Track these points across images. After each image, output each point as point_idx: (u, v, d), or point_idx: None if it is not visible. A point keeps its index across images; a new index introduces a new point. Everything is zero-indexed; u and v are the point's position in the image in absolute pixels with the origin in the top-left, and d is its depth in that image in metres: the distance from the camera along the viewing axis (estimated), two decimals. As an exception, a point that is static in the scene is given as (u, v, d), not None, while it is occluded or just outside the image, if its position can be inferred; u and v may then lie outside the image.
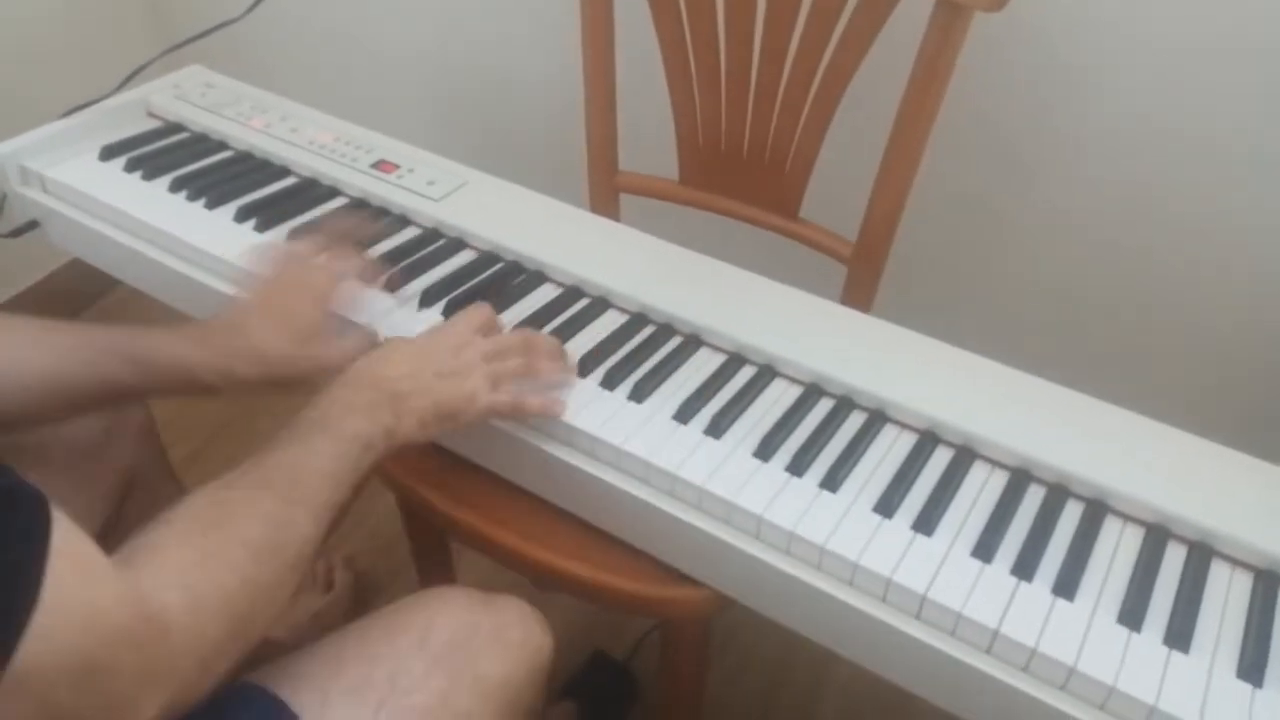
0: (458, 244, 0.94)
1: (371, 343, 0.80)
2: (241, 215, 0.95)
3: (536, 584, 0.84)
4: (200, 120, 1.08)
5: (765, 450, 0.73)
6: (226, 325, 0.75)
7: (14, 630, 0.43)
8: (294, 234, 0.93)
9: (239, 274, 0.88)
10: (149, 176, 1.00)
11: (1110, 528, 0.70)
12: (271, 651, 0.97)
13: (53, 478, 0.83)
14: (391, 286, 0.87)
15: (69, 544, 0.46)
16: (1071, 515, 0.71)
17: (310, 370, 0.76)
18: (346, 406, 0.68)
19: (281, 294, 0.78)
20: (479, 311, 0.79)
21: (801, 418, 0.77)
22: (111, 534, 0.90)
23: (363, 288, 0.85)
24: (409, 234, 0.96)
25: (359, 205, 0.99)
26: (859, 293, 1.11)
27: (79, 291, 1.84)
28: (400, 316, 0.85)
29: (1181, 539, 0.70)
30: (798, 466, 0.72)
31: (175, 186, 0.99)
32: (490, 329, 0.79)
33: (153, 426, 0.99)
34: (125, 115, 1.09)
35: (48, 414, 0.74)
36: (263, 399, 1.66)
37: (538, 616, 0.75)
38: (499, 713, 0.69)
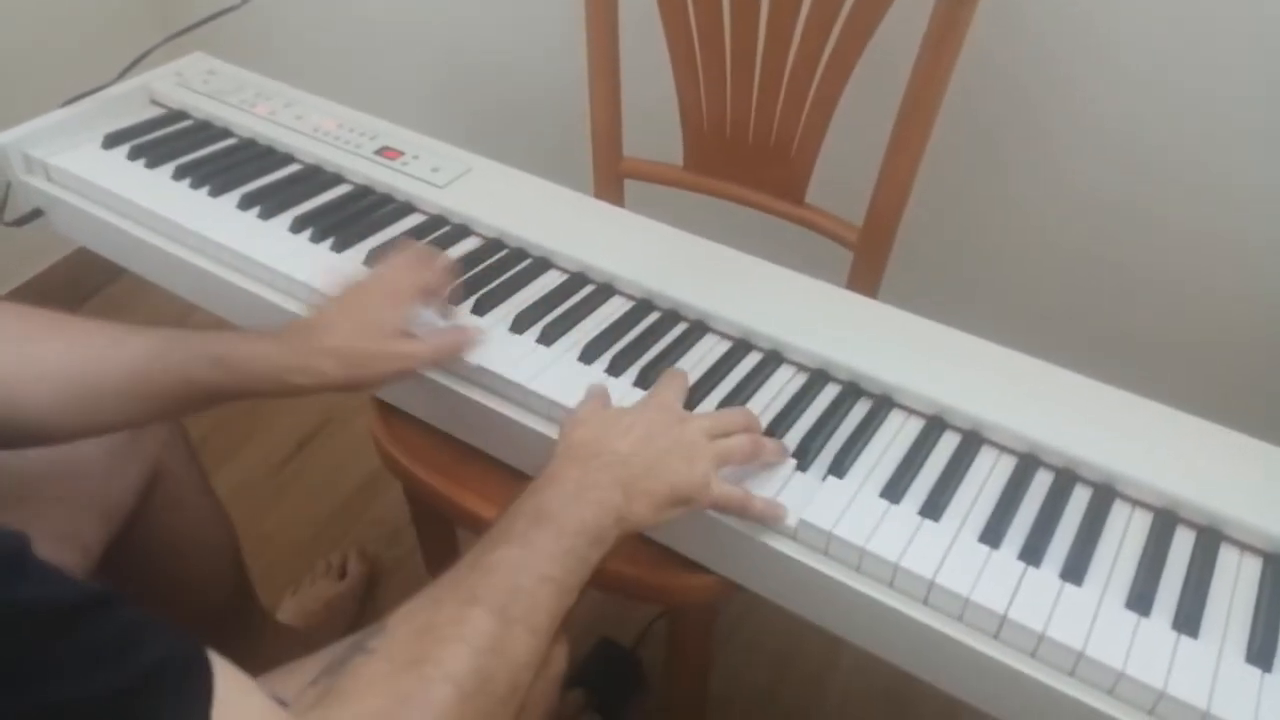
0: (462, 230, 0.94)
1: (465, 340, 0.78)
2: (245, 203, 0.95)
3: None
4: (203, 107, 1.08)
5: (772, 437, 0.73)
6: (307, 326, 0.73)
7: None
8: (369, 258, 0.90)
9: (309, 293, 0.86)
10: (152, 164, 1.00)
11: (1119, 512, 0.70)
12: (284, 640, 0.97)
13: (81, 471, 0.83)
14: (455, 299, 0.84)
15: (233, 711, 0.43)
16: (1079, 500, 0.70)
17: (395, 368, 0.74)
18: (572, 491, 0.62)
19: (360, 296, 0.75)
20: (681, 377, 0.74)
21: (808, 404, 0.77)
22: (137, 525, 0.91)
23: (439, 293, 0.82)
24: (413, 221, 0.95)
25: (364, 192, 0.99)
26: (865, 278, 1.11)
27: (85, 280, 1.85)
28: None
29: (1190, 523, 0.69)
30: (804, 453, 0.72)
31: (179, 174, 0.99)
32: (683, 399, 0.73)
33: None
34: (128, 103, 1.09)
35: (134, 419, 0.72)
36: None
37: None
38: None
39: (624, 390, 0.77)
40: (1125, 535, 0.68)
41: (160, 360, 0.69)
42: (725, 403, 0.76)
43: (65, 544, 0.81)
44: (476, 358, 0.78)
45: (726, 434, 0.69)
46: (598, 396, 0.73)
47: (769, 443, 0.71)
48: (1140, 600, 0.63)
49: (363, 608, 1.35)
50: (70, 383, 0.68)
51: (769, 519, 0.68)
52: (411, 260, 0.80)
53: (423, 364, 0.75)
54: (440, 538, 1.09)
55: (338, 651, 0.56)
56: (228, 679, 0.44)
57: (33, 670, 0.39)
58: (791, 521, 0.68)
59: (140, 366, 0.69)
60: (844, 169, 1.08)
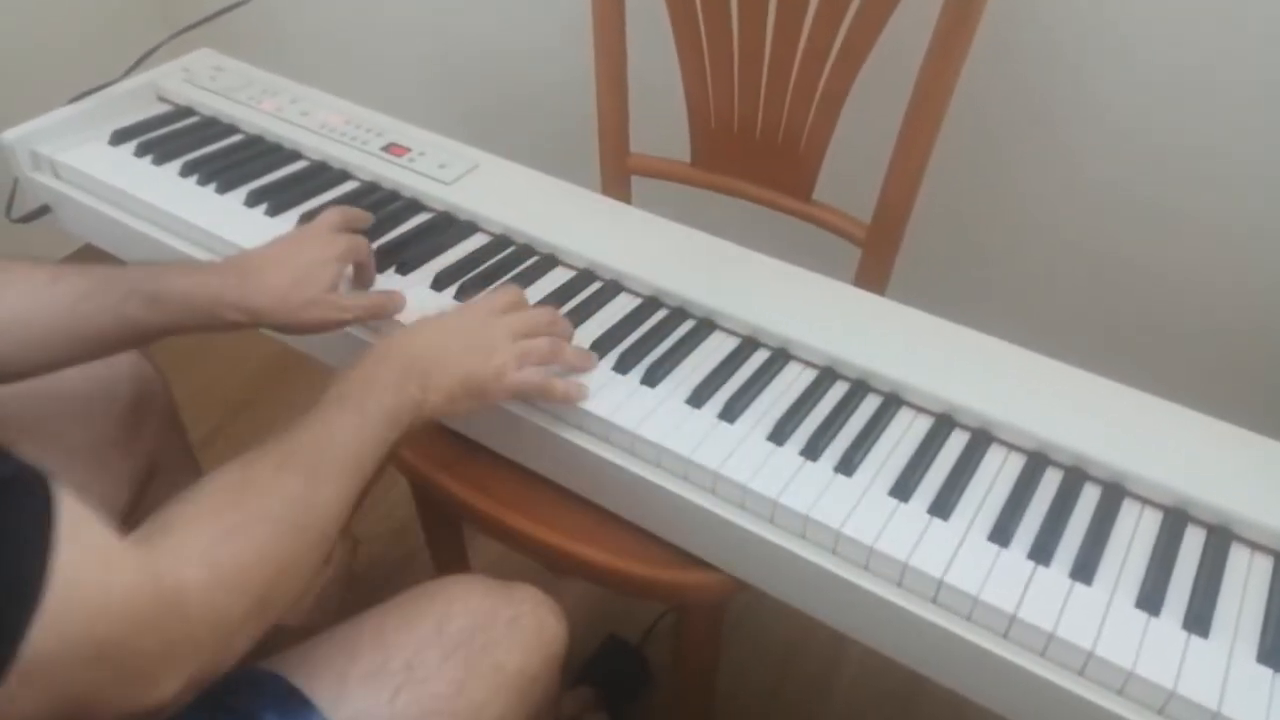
0: (470, 227, 0.94)
1: (394, 304, 0.81)
2: (252, 199, 0.95)
3: (550, 568, 0.84)
4: (210, 104, 1.08)
5: (780, 434, 0.73)
6: (244, 265, 0.76)
7: (20, 624, 0.42)
8: (305, 216, 0.93)
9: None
10: (160, 161, 1.00)
11: (1128, 511, 0.70)
12: (279, 637, 0.97)
13: (75, 464, 0.84)
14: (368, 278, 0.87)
15: (77, 528, 0.46)
16: (1089, 499, 0.70)
17: (331, 317, 0.77)
18: (371, 382, 0.67)
19: (299, 247, 0.78)
20: (507, 293, 0.78)
21: (816, 401, 0.76)
22: (132, 520, 0.91)
23: (353, 274, 0.86)
24: (421, 218, 0.95)
25: (371, 189, 0.99)
26: (873, 275, 1.11)
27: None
28: (412, 299, 0.84)
29: (1200, 522, 0.69)
30: (813, 450, 0.72)
31: (186, 171, 0.99)
32: (519, 309, 0.78)
33: (175, 413, 0.99)
34: (135, 99, 1.09)
35: (73, 358, 0.74)
36: (279, 380, 1.67)
37: (551, 604, 0.75)
38: (514, 702, 0.69)
39: (632, 389, 0.77)
40: (1135, 534, 0.68)
41: (94, 299, 0.71)
42: (734, 399, 0.75)
43: None
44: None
45: (532, 334, 0.75)
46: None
47: (571, 348, 0.77)
48: (1150, 600, 0.63)
49: (350, 591, 1.34)
50: (2, 324, 0.69)
51: (573, 397, 0.74)
52: (339, 222, 0.83)
53: (352, 319, 0.79)
54: (446, 534, 1.09)
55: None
56: (72, 507, 0.46)
57: None
58: (800, 520, 0.68)
59: (75, 305, 0.71)
60: (852, 165, 1.08)
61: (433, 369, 0.69)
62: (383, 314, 0.82)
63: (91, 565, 0.46)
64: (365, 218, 0.87)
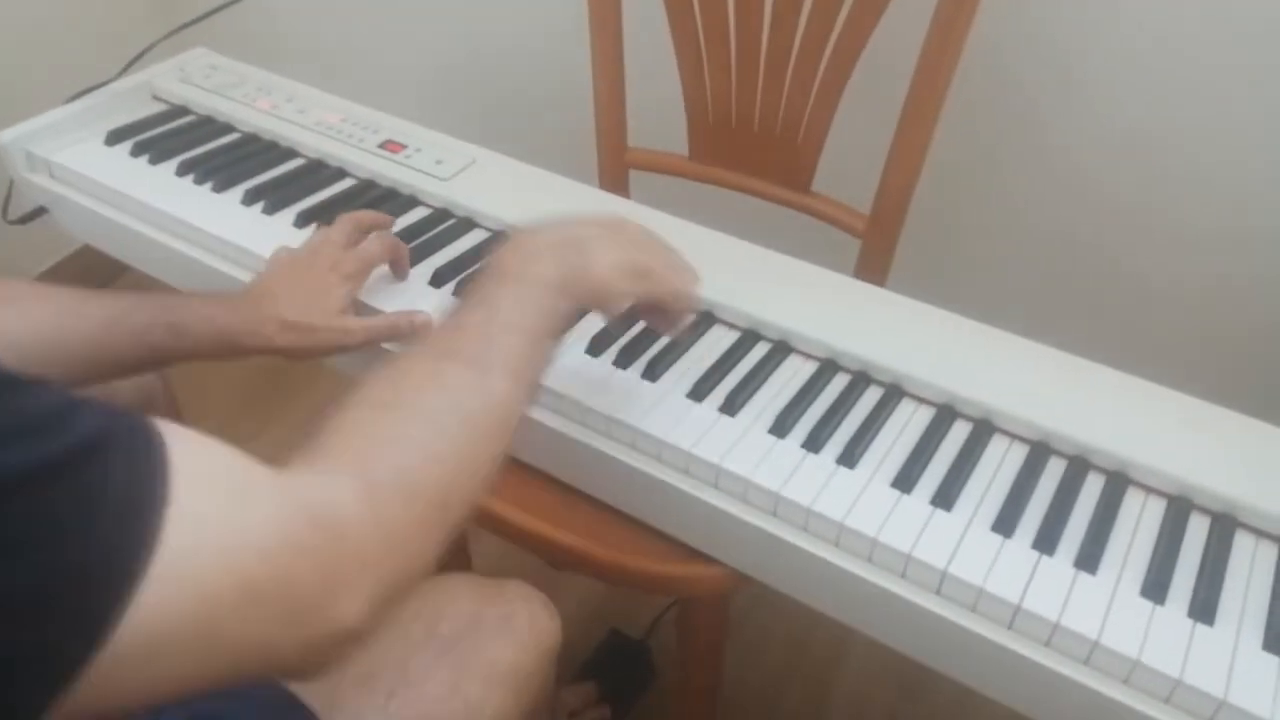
0: (467, 224, 0.94)
1: (410, 325, 0.80)
2: (249, 198, 0.95)
3: (552, 564, 0.84)
4: (206, 103, 1.08)
5: (781, 427, 0.73)
6: (257, 294, 0.77)
7: (118, 597, 0.37)
8: (321, 224, 0.92)
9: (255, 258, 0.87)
10: (156, 160, 1.00)
11: (1132, 500, 0.69)
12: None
13: None
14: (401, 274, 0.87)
15: (201, 467, 0.41)
16: (1093, 488, 0.70)
17: (335, 342, 0.77)
18: (526, 253, 0.62)
19: (310, 270, 0.79)
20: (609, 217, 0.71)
21: (817, 393, 0.76)
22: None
23: (391, 272, 0.86)
24: (418, 214, 0.95)
25: (368, 186, 0.98)
26: (873, 266, 1.10)
27: (89, 278, 1.83)
28: (410, 297, 0.84)
29: (1204, 510, 0.69)
30: (814, 442, 0.72)
31: (183, 170, 0.98)
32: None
33: (177, 414, 0.99)
34: (130, 99, 1.09)
35: (92, 379, 0.75)
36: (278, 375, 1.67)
37: (543, 600, 0.75)
38: (510, 699, 0.69)
39: (632, 384, 0.77)
40: (1139, 523, 0.68)
41: (119, 327, 0.73)
42: (735, 393, 0.75)
43: None
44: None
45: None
46: None
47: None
48: (1155, 588, 0.63)
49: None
50: (27, 352, 0.69)
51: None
52: (348, 234, 0.82)
53: (359, 344, 0.78)
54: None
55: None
56: (183, 439, 0.41)
57: None
58: (803, 513, 0.67)
59: (100, 334, 0.72)
60: (851, 156, 1.08)
61: (587, 244, 0.64)
62: (398, 335, 0.79)
63: (221, 506, 0.41)
64: (382, 220, 0.87)
